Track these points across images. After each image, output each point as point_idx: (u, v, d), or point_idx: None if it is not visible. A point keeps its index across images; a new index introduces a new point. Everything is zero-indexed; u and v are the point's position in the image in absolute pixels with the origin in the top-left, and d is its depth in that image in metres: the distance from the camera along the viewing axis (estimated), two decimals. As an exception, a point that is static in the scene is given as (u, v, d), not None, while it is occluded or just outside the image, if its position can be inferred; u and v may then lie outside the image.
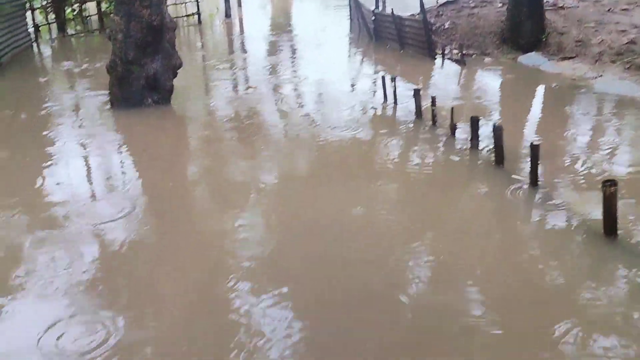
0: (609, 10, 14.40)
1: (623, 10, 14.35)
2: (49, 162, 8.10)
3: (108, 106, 10.51)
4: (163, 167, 7.83)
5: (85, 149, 8.67)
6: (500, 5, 15.84)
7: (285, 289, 4.83)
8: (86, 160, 8.24)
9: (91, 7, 21.62)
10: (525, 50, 13.65)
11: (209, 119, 10.25)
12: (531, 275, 4.98)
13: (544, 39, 13.55)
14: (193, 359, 4.12)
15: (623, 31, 12.69)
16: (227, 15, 23.49)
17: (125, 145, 8.82)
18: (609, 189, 5.25)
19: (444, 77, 13.01)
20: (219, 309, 4.65)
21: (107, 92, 10.67)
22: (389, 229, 5.92)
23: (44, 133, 9.35)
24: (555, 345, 4.07)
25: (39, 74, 14.83)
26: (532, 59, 13.31)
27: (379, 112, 10.16)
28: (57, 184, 7.26)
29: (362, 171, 7.53)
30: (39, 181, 7.37)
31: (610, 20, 13.44)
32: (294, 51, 16.63)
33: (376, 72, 13.42)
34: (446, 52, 14.27)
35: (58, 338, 4.27)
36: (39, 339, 4.25)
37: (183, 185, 7.40)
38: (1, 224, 6.15)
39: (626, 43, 12.13)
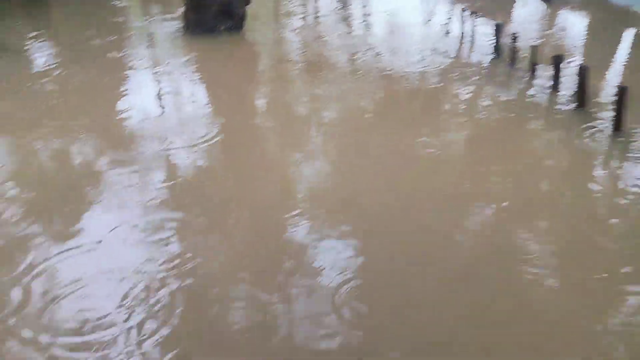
0: None
1: None
2: (124, 85, 8.30)
3: (181, 32, 10.58)
4: (233, 94, 7.88)
5: (158, 73, 8.81)
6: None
7: (343, 218, 4.89)
8: (158, 85, 8.39)
9: None
10: (618, -12, 12.66)
11: (279, 48, 10.18)
12: (604, 226, 4.79)
13: (640, -23, 12.50)
14: (250, 270, 4.27)
15: None
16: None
17: (198, 72, 8.91)
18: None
19: (527, 14, 12.30)
20: (280, 228, 4.77)
21: (181, 17, 10.74)
22: (456, 167, 5.81)
23: (119, 56, 9.55)
24: (621, 300, 3.96)
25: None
26: (624, -2, 12.35)
27: (454, 48, 9.78)
28: (131, 107, 7.41)
29: (432, 109, 7.34)
30: (114, 104, 7.57)
31: None
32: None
33: (454, 7, 12.84)
34: (530, -12, 13.44)
35: (126, 240, 4.58)
36: (109, 235, 4.58)
37: (252, 113, 7.45)
38: (79, 142, 6.40)
39: None
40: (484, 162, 5.85)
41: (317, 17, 12.62)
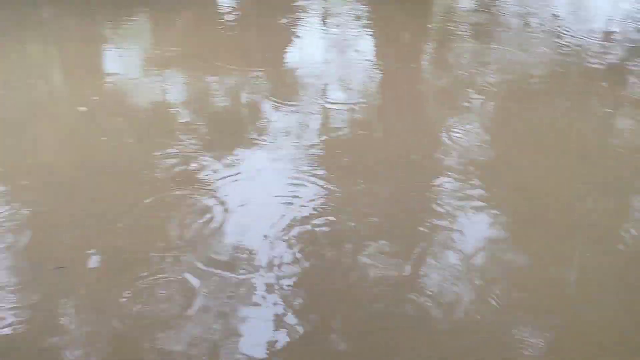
0: None
1: None
2: (296, 34, 8.60)
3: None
4: (400, 53, 7.88)
5: (329, 25, 8.95)
6: None
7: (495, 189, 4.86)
8: (328, 37, 8.60)
9: None
10: None
11: (454, 9, 9.85)
12: None
13: None
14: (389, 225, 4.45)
15: None
16: None
17: (369, 27, 8.90)
18: None
19: None
20: (420, 196, 4.91)
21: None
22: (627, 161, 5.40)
23: (296, 4, 9.91)
24: None
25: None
26: None
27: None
28: (299, 57, 7.78)
29: (612, 91, 6.75)
30: (285, 51, 7.93)
31: None
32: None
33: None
34: None
35: (279, 174, 5.08)
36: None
37: (415, 74, 7.39)
38: (248, 85, 6.87)
39: None
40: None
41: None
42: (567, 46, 7.80)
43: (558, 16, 8.99)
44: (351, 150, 5.50)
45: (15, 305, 3.66)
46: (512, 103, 6.39)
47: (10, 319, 3.54)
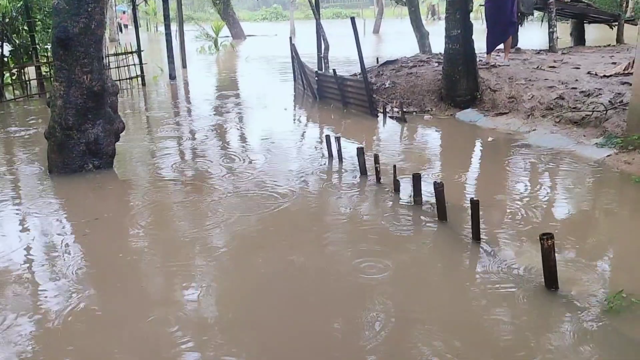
0: (537, 67, 15.33)
1: (550, 67, 15.32)
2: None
3: (46, 174, 10.21)
4: (105, 234, 7.58)
5: (22, 220, 8.27)
6: (436, 64, 16.60)
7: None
8: (25, 232, 7.85)
9: (31, 71, 21.26)
10: (462, 107, 14.26)
11: (152, 181, 10.05)
12: (476, 331, 5.03)
13: (478, 96, 14.20)
14: None
15: (551, 87, 13.49)
16: (172, 77, 23.51)
17: (65, 213, 8.52)
18: (546, 243, 5.43)
19: (386, 134, 13.38)
20: None
21: (45, 158, 10.40)
22: (335, 285, 5.91)
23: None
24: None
25: (-26, 141, 14.32)
26: (468, 115, 13.90)
27: (323, 171, 10.27)
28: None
29: (307, 230, 7.51)
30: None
31: (539, 77, 14.26)
32: (239, 113, 16.73)
33: (320, 131, 13.66)
34: (387, 110, 14.73)
35: None
36: None
37: (128, 251, 7.10)
38: None
39: (555, 98, 12.87)
40: (358, 278, 6.01)
41: (194, 152, 12.80)
42: (268, 197, 8.51)
43: (254, 176, 9.83)
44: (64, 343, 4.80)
45: None
46: (234, 255, 6.53)
47: None
